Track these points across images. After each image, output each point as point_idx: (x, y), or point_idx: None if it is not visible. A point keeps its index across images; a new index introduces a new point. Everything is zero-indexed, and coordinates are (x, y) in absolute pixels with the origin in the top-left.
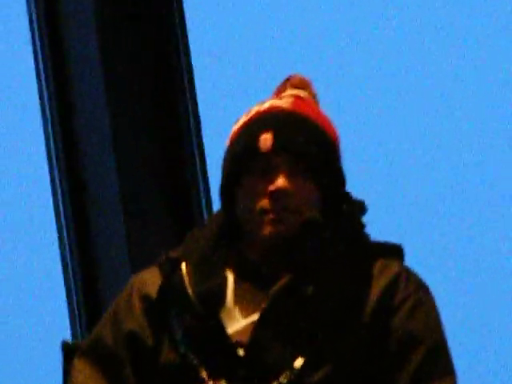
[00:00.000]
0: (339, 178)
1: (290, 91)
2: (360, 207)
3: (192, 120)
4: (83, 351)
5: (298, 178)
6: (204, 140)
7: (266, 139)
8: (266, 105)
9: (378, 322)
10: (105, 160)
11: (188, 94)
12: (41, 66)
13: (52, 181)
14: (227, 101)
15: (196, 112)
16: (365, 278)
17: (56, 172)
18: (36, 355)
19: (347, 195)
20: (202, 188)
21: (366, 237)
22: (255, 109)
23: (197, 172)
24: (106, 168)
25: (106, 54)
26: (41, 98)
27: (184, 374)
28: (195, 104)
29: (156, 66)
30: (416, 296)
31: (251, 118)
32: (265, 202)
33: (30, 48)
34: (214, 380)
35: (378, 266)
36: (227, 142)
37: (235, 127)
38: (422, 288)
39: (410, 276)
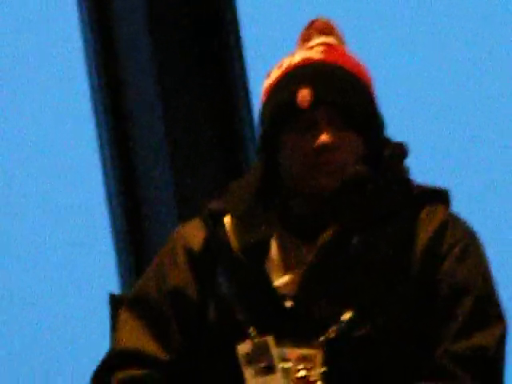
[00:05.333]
0: (379, 123)
1: (317, 39)
2: (402, 150)
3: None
4: (128, 304)
5: (340, 131)
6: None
7: (304, 95)
8: (298, 57)
9: (426, 271)
10: (152, 114)
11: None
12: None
13: (99, 129)
14: None
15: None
16: (411, 227)
17: (103, 123)
18: (84, 307)
19: (387, 139)
20: (248, 134)
21: (410, 182)
22: (286, 61)
23: (244, 116)
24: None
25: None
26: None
27: (231, 329)
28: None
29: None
30: (463, 243)
31: (284, 71)
32: (312, 158)
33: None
34: (261, 335)
35: (424, 212)
36: (262, 97)
37: (268, 81)
38: (469, 234)
39: (456, 222)
